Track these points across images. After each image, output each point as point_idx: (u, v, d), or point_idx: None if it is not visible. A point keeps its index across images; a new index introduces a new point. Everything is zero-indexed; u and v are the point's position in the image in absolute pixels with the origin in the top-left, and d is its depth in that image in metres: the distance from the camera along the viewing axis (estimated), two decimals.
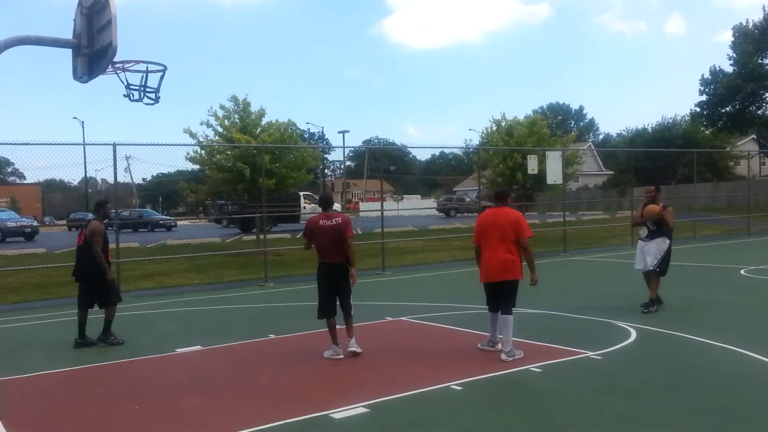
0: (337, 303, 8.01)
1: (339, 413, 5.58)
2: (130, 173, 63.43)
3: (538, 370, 6.82)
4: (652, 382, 6.38)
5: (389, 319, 10.18)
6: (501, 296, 7.52)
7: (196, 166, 23.40)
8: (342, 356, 7.76)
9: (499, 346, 7.58)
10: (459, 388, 6.24)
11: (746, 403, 5.63)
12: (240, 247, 23.85)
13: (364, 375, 7.08)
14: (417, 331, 9.42)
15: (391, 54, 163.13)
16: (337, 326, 8.01)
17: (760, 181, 43.12)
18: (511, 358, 7.21)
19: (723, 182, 47.68)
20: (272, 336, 9.16)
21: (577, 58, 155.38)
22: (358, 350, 7.83)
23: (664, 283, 10.19)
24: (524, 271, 7.58)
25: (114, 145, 13.97)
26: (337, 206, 37.12)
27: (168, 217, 49.61)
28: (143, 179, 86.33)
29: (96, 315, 9.23)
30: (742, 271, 14.30)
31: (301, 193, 38.61)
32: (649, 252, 10.09)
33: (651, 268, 10.05)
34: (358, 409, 5.67)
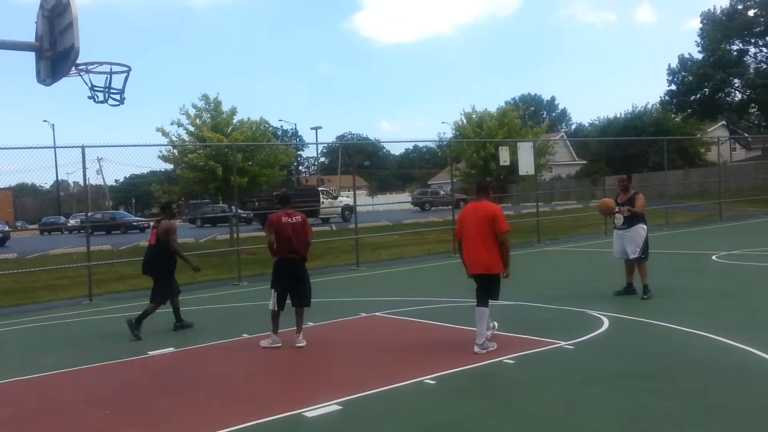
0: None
1: (312, 411, 5.55)
2: (102, 175, 62.61)
3: (511, 361, 6.84)
4: (624, 370, 6.43)
5: (363, 314, 10.16)
6: (480, 288, 7.52)
7: (169, 166, 23.21)
8: (280, 344, 8.13)
9: (492, 328, 7.76)
10: (432, 382, 6.24)
11: (718, 389, 5.69)
12: (214, 247, 23.67)
13: (337, 372, 7.05)
14: (391, 326, 9.41)
15: (363, 49, 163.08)
16: (287, 317, 8.39)
17: (730, 167, 43.78)
18: (484, 351, 7.21)
19: (694, 169, 48.37)
20: (245, 335, 9.10)
21: (548, 49, 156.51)
22: (302, 344, 8.17)
23: (634, 271, 10.29)
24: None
25: (83, 147, 13.77)
26: (345, 199, 37.64)
27: (141, 219, 49.10)
28: (116, 181, 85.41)
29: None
30: (713, 257, 14.50)
31: (319, 189, 38.93)
32: (630, 240, 10.18)
33: (635, 256, 10.15)
34: (330, 407, 5.64)
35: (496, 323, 8.12)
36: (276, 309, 8.33)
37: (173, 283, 10.00)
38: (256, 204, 33.45)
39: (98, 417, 5.88)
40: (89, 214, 20.30)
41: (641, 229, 10.22)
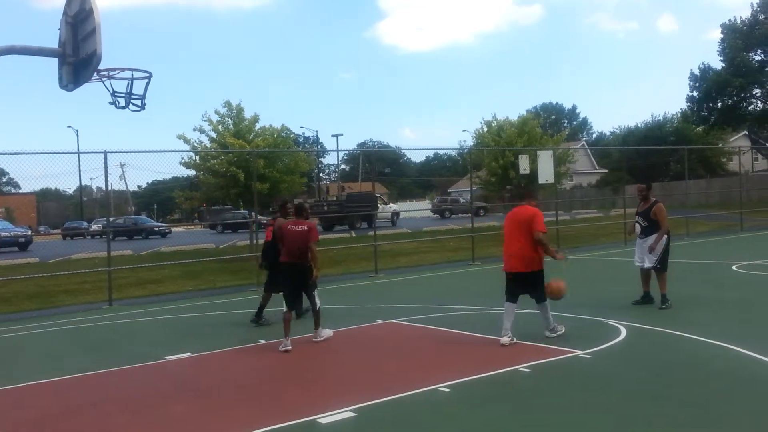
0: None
1: (326, 418, 5.58)
2: (125, 180, 63.38)
3: (527, 370, 6.82)
4: (642, 380, 6.39)
5: (380, 321, 10.18)
6: (527, 288, 8.21)
7: (191, 172, 23.44)
8: (290, 348, 8.37)
9: (509, 339, 8.06)
10: (447, 390, 6.25)
11: (735, 400, 5.64)
12: (234, 253, 23.82)
13: (352, 379, 7.08)
14: (408, 333, 9.42)
15: (385, 57, 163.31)
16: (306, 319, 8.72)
17: (752, 177, 43.23)
18: (554, 334, 8.11)
19: (715, 178, 47.79)
20: (262, 341, 9.15)
21: (570, 58, 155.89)
22: (319, 339, 8.89)
23: (654, 280, 10.20)
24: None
25: (105, 153, 13.96)
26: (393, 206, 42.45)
27: (162, 224, 49.54)
28: (138, 186, 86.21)
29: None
30: (734, 267, 14.33)
31: (377, 194, 42.00)
32: (646, 249, 10.11)
33: (652, 266, 10.09)
34: (345, 414, 5.67)
35: (563, 327, 8.45)
36: (287, 310, 8.72)
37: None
38: (326, 208, 38.88)
39: (117, 421, 5.96)
40: (111, 219, 20.53)
41: (662, 240, 10.13)
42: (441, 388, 6.28)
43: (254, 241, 18.83)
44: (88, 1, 7.07)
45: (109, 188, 14.91)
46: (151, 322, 11.63)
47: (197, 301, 13.91)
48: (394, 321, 10.14)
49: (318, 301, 8.96)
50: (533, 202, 8.49)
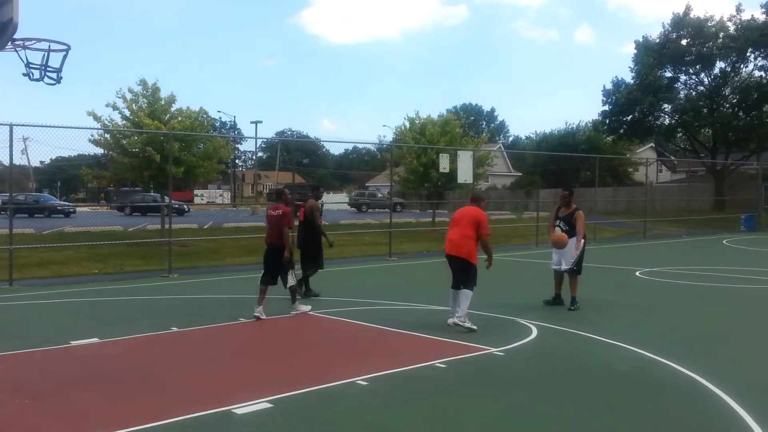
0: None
1: (241, 408, 5.47)
2: (27, 156, 60.13)
3: (443, 365, 6.92)
4: (551, 378, 6.61)
5: (294, 313, 10.08)
6: (457, 274, 8.86)
7: (99, 151, 22.45)
8: (262, 316, 9.39)
9: (455, 319, 8.71)
10: (364, 383, 6.25)
11: (639, 400, 5.90)
12: (143, 237, 23.07)
13: (268, 370, 6.98)
14: (324, 326, 9.38)
15: (309, 46, 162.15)
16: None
17: (656, 188, 45.53)
18: (461, 323, 8.55)
19: (622, 187, 50.03)
20: (174, 329, 8.89)
21: (491, 61, 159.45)
22: (295, 312, 9.86)
23: (566, 283, 10.56)
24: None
25: (11, 126, 13.16)
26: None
27: (67, 203, 47.33)
28: (41, 162, 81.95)
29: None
30: (637, 273, 15.03)
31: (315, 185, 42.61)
32: (566, 253, 10.46)
33: (568, 267, 10.44)
34: (261, 404, 5.58)
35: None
36: (261, 284, 9.76)
37: (318, 255, 11.60)
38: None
39: (18, 406, 5.64)
40: (11, 195, 19.44)
41: (578, 244, 10.51)
42: (358, 381, 6.27)
43: (166, 225, 18.28)
44: None
45: (11, 163, 13.94)
46: (55, 304, 11.10)
47: (104, 285, 13.38)
48: (310, 313, 10.06)
49: (291, 280, 9.91)
50: (483, 205, 9.29)
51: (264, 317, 9.41)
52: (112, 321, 9.59)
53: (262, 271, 9.95)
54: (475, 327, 8.57)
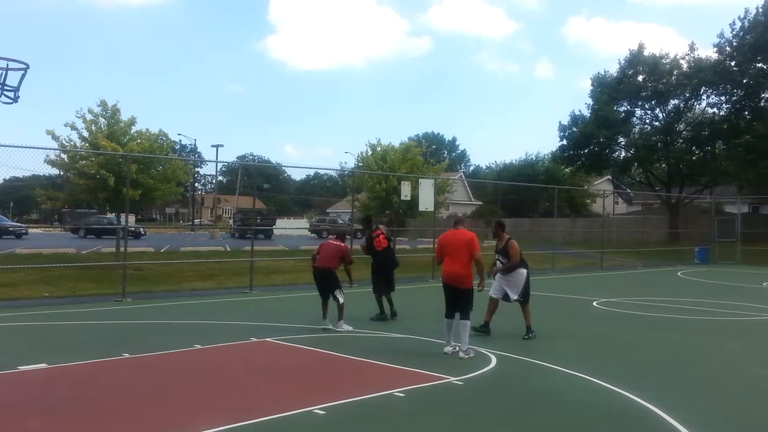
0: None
1: None
2: None
3: (402, 394, 6.84)
4: (509, 407, 6.60)
5: (254, 339, 9.90)
6: (455, 302, 9.09)
7: (54, 171, 21.94)
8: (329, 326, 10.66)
9: (452, 348, 8.98)
10: (322, 412, 6.13)
11: (590, 428, 5.91)
12: (97, 260, 22.52)
13: (224, 397, 6.80)
14: (282, 352, 9.22)
15: (272, 72, 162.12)
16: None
17: (613, 219, 46.37)
18: (467, 356, 8.62)
19: (580, 218, 50.84)
20: (126, 355, 8.63)
21: (453, 91, 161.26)
22: (338, 330, 10.58)
23: (520, 313, 10.60)
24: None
25: None
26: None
27: (19, 224, 46.07)
28: None
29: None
30: (594, 303, 15.19)
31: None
32: (511, 284, 10.53)
33: (515, 299, 10.56)
34: None
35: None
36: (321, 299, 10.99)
37: (380, 281, 12.22)
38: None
39: None
40: None
41: (521, 272, 10.63)
42: (315, 410, 6.15)
43: (121, 248, 17.87)
44: None
45: None
46: (4, 328, 10.70)
47: (55, 309, 12.97)
48: (267, 339, 9.90)
49: (341, 298, 10.73)
50: (464, 226, 9.57)
51: (330, 326, 10.65)
52: (62, 346, 9.29)
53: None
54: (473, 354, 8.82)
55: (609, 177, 62.66)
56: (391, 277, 12.37)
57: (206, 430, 5.48)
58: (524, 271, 10.65)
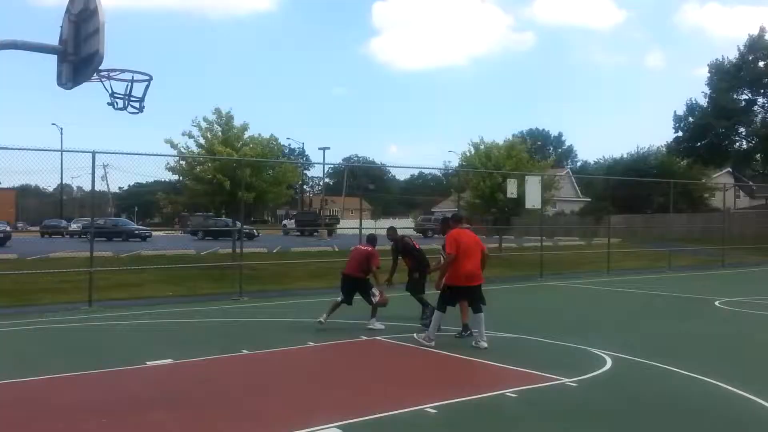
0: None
1: None
2: (107, 182, 62.70)
3: (514, 395, 6.77)
4: (627, 411, 6.38)
5: (364, 338, 10.10)
6: (476, 298, 9.43)
7: (174, 177, 23.19)
8: (323, 321, 10.54)
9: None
10: (433, 411, 6.18)
11: None
12: (215, 261, 23.61)
13: (338, 395, 6.99)
14: (392, 351, 9.34)
15: (377, 74, 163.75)
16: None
17: (734, 214, 43.73)
18: (476, 343, 9.16)
19: (697, 214, 48.26)
20: (245, 351, 9.02)
21: (559, 86, 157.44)
22: (369, 327, 10.57)
23: (645, 313, 10.24)
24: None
25: (93, 153, 13.78)
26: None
27: (143, 227, 49.02)
28: (120, 188, 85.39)
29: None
30: (716, 303, 14.42)
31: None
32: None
33: None
34: (330, 430, 5.58)
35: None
36: (337, 299, 10.81)
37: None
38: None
39: (95, 424, 5.82)
40: (93, 219, 20.29)
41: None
42: (427, 409, 6.21)
43: (237, 250, 18.64)
44: (93, 1, 6.99)
45: (93, 188, 14.60)
46: (132, 325, 11.45)
47: (178, 307, 13.73)
48: (377, 338, 10.06)
49: (374, 299, 10.69)
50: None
51: (322, 321, 10.48)
52: (186, 342, 9.83)
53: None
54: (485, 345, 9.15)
55: (729, 169, 59.14)
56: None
57: (320, 426, 5.65)
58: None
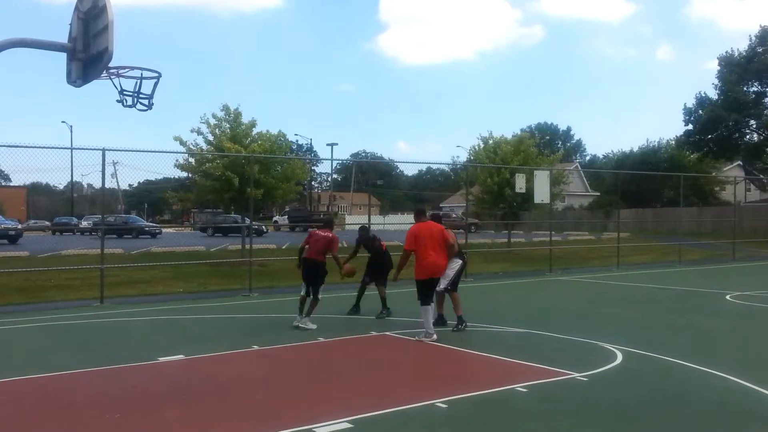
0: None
1: (322, 428, 5.51)
2: (117, 179, 63.00)
3: (524, 390, 6.77)
4: (636, 406, 6.36)
5: (374, 333, 10.12)
6: (429, 290, 9.57)
7: (183, 174, 23.28)
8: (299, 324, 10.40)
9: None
10: (444, 405, 6.19)
11: (728, 429, 5.62)
12: (225, 257, 23.70)
13: (349, 389, 7.01)
14: (401, 346, 9.36)
15: (384, 69, 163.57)
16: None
17: (745, 207, 43.50)
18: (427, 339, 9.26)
19: (708, 207, 48.04)
20: (255, 347, 9.07)
21: (567, 80, 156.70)
22: (302, 326, 10.35)
23: (655, 307, 10.20)
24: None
25: (103, 151, 13.84)
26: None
27: (153, 224, 49.21)
28: (129, 185, 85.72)
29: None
30: (727, 297, 14.36)
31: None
32: (443, 275, 10.19)
33: (442, 288, 10.31)
34: (341, 425, 5.60)
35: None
36: (302, 294, 10.70)
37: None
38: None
39: (108, 420, 5.86)
40: (103, 216, 20.41)
41: (455, 263, 10.50)
42: (438, 404, 6.22)
43: (247, 246, 18.70)
44: None
45: (103, 186, 14.65)
46: (143, 321, 11.52)
47: (188, 303, 13.80)
48: (387, 333, 10.08)
49: (319, 297, 10.60)
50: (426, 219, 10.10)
51: (300, 324, 10.42)
52: (197, 338, 9.88)
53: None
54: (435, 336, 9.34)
55: (739, 162, 58.79)
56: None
57: (331, 421, 5.67)
58: (459, 262, 10.63)
